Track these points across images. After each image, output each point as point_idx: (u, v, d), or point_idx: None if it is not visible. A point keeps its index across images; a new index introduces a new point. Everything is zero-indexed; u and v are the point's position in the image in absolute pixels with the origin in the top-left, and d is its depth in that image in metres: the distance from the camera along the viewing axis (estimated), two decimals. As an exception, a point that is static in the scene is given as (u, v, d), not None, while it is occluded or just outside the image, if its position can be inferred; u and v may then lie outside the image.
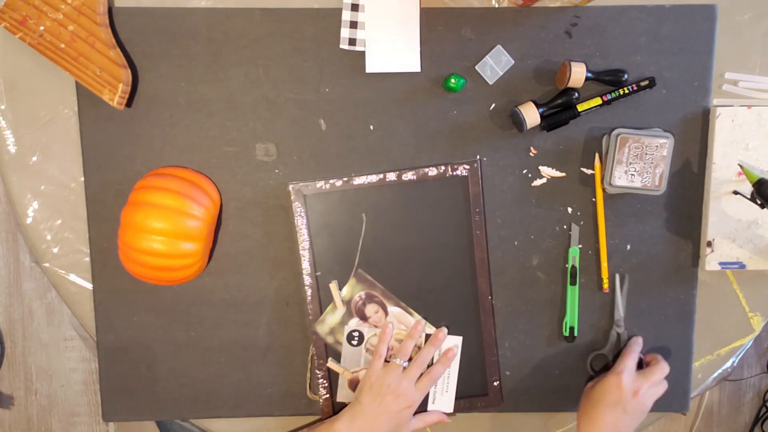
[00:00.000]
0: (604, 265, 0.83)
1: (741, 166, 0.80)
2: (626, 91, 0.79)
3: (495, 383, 0.84)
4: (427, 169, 0.81)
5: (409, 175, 0.80)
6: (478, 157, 0.82)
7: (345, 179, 0.81)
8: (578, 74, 0.77)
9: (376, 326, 0.83)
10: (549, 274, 0.84)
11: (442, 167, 0.81)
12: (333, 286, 0.82)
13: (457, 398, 0.84)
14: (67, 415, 1.67)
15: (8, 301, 1.64)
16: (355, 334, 0.83)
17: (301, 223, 0.80)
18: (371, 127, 0.82)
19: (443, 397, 0.83)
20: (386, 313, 0.83)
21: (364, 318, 0.82)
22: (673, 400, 0.85)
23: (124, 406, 0.85)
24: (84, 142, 0.81)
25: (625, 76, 0.79)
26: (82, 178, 0.82)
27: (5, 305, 1.64)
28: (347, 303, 0.82)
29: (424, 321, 0.82)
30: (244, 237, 0.83)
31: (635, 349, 0.80)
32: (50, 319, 1.65)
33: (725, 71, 0.82)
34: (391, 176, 0.81)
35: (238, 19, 0.80)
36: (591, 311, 0.84)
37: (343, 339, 0.83)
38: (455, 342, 0.83)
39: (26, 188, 0.83)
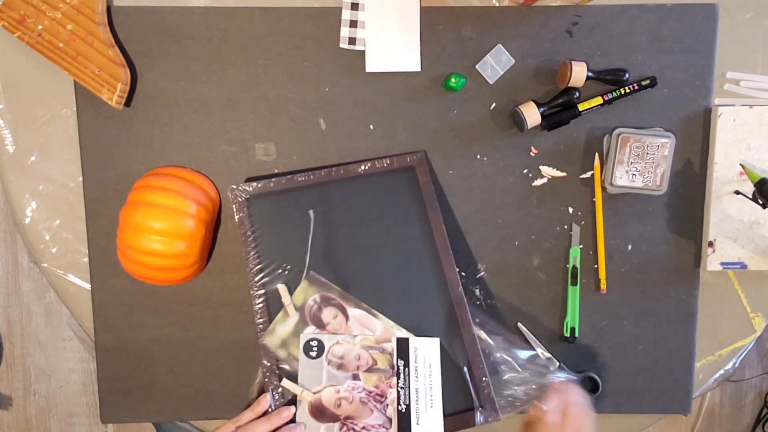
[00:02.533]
0: (602, 265, 0.82)
1: (743, 166, 0.80)
2: (627, 91, 0.79)
3: (486, 391, 0.72)
4: (373, 162, 0.75)
5: (356, 168, 0.74)
6: (424, 150, 0.80)
7: (288, 177, 0.76)
8: (579, 73, 0.77)
9: (336, 333, 0.71)
10: (550, 275, 0.83)
11: (387, 160, 0.76)
12: (282, 289, 0.72)
13: (445, 415, 0.71)
14: (65, 415, 1.67)
15: (7, 301, 1.64)
16: (314, 343, 0.71)
17: (245, 227, 0.72)
18: (371, 126, 0.81)
19: (428, 415, 0.70)
20: (347, 317, 0.72)
21: (321, 325, 0.71)
22: (675, 401, 0.85)
23: (123, 407, 0.85)
24: (82, 142, 0.81)
25: (626, 76, 0.79)
26: (81, 178, 0.82)
27: (4, 305, 1.64)
28: (300, 309, 0.72)
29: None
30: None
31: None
32: (49, 319, 1.64)
33: (727, 71, 0.82)
34: (338, 171, 0.75)
35: (237, 18, 0.79)
36: (592, 312, 0.84)
37: (299, 351, 0.70)
38: (432, 345, 0.71)
39: (25, 188, 0.83)
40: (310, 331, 0.71)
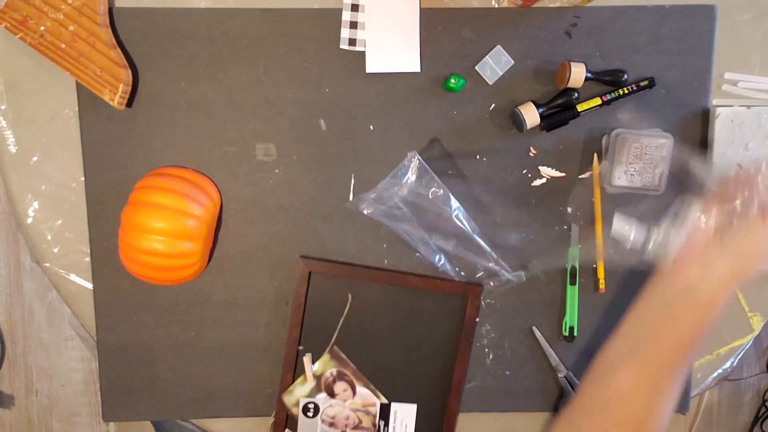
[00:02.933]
0: (601, 265, 0.83)
1: (740, 166, 0.80)
2: (626, 92, 0.79)
3: None
4: (432, 279, 0.82)
5: (411, 280, 0.82)
6: (483, 285, 0.82)
7: (348, 266, 0.82)
8: (578, 74, 0.77)
9: (343, 401, 0.83)
10: (549, 275, 0.84)
11: (445, 283, 0.82)
12: (306, 359, 0.83)
13: None
14: (67, 414, 1.68)
15: (9, 300, 1.64)
16: (311, 405, 0.83)
17: (300, 299, 0.81)
18: (371, 127, 0.82)
19: None
20: (354, 393, 0.83)
21: (332, 394, 0.83)
22: (673, 400, 0.85)
23: (125, 406, 0.85)
24: (84, 142, 0.81)
25: (625, 77, 0.79)
26: (83, 178, 0.82)
27: (6, 305, 1.65)
28: (318, 378, 0.83)
29: None
30: (244, 237, 0.83)
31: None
32: (51, 319, 1.65)
33: (725, 71, 0.82)
34: (394, 277, 0.82)
35: (238, 20, 0.80)
36: (591, 311, 0.84)
37: (298, 411, 0.83)
38: (410, 409, 0.83)
39: (27, 188, 0.83)
40: (320, 398, 0.84)
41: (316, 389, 0.83)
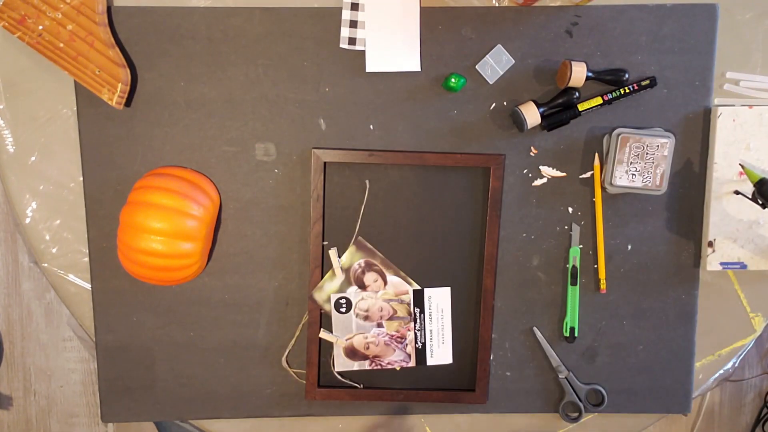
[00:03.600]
0: (602, 265, 0.82)
1: (742, 166, 0.80)
2: (627, 91, 0.79)
3: (483, 381, 0.83)
4: (452, 155, 0.80)
5: (432, 160, 0.80)
6: (505, 154, 0.81)
7: (369, 152, 0.80)
8: (579, 74, 0.77)
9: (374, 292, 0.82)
10: (549, 275, 0.83)
11: (467, 155, 0.80)
12: (332, 252, 0.81)
13: (444, 390, 0.83)
14: (66, 415, 1.67)
15: (7, 301, 1.64)
16: (342, 301, 0.82)
17: (318, 192, 0.79)
18: (371, 126, 0.81)
19: (440, 349, 0.83)
20: (385, 282, 0.82)
21: (362, 286, 0.82)
22: (675, 401, 0.85)
23: (123, 406, 0.85)
24: (83, 142, 0.81)
25: (626, 76, 0.79)
26: (81, 178, 0.82)
27: (4, 305, 1.64)
28: (346, 271, 0.82)
29: None
30: (243, 237, 0.82)
31: None
32: (49, 319, 1.64)
33: (726, 71, 0.82)
34: (414, 157, 0.80)
35: (237, 19, 0.80)
36: (591, 312, 0.84)
37: (331, 307, 0.82)
38: (444, 293, 0.82)
39: (25, 188, 0.83)
40: (351, 292, 0.82)
41: (346, 283, 0.81)
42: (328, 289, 0.82)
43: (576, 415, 0.84)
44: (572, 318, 0.83)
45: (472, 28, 0.80)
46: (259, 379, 0.84)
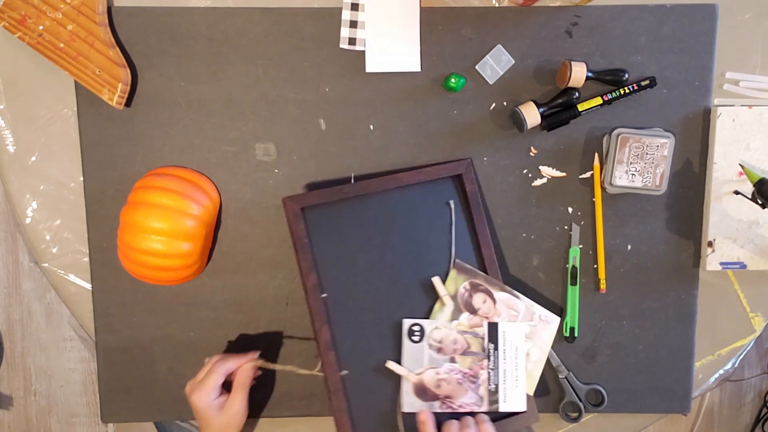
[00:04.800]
0: (602, 265, 0.82)
1: (742, 166, 0.80)
2: (627, 91, 0.79)
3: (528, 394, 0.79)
4: (416, 171, 0.77)
5: (399, 179, 0.77)
6: (470, 157, 0.81)
7: (334, 188, 0.76)
8: (579, 74, 0.77)
9: (486, 317, 0.77)
10: (549, 275, 0.83)
11: (430, 169, 0.78)
12: (436, 281, 0.76)
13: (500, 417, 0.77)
14: (66, 415, 1.67)
15: (7, 301, 1.64)
16: (416, 328, 0.75)
17: (302, 240, 0.74)
18: (371, 126, 0.81)
19: (514, 394, 0.77)
20: (494, 301, 0.77)
21: (473, 311, 0.76)
22: (674, 401, 0.85)
23: (124, 406, 0.85)
24: (83, 142, 0.81)
25: (626, 76, 0.79)
26: (82, 178, 0.82)
27: (4, 305, 1.64)
28: (454, 298, 0.76)
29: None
30: (243, 237, 0.82)
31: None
32: (49, 319, 1.65)
33: (726, 71, 0.82)
34: (388, 180, 0.77)
35: (237, 19, 0.80)
36: (592, 312, 0.84)
37: (403, 335, 0.75)
38: (519, 329, 0.77)
39: (25, 188, 0.83)
40: (464, 318, 0.76)
41: (457, 311, 0.76)
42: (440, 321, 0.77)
43: (576, 415, 0.84)
44: (572, 318, 0.83)
45: (472, 28, 0.80)
46: (259, 379, 0.84)
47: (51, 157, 0.82)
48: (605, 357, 0.84)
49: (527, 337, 0.79)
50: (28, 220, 0.83)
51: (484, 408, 0.77)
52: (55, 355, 1.65)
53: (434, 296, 0.78)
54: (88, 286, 0.84)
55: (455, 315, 0.76)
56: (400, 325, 0.77)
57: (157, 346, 0.84)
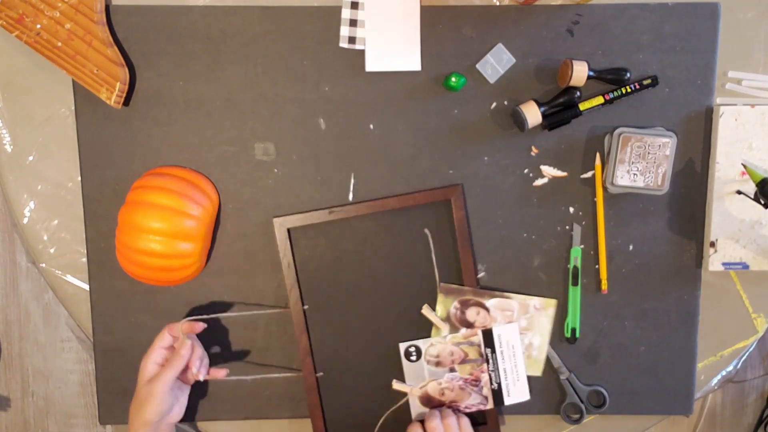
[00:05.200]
0: (603, 265, 0.82)
1: (744, 166, 0.79)
2: (628, 90, 0.79)
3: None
4: (407, 196, 0.80)
5: (392, 204, 0.80)
6: (461, 184, 0.81)
7: (329, 210, 0.80)
8: (580, 73, 0.76)
9: (483, 327, 0.81)
10: (550, 275, 0.83)
11: (421, 195, 0.80)
12: (426, 310, 0.81)
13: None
14: (64, 416, 1.67)
15: (5, 302, 1.63)
16: (412, 350, 0.81)
17: (287, 259, 0.80)
18: (371, 126, 0.81)
19: (516, 387, 0.81)
20: (487, 309, 0.81)
21: (469, 325, 0.80)
22: (677, 402, 0.84)
23: (121, 408, 0.84)
24: (81, 142, 0.81)
25: (628, 75, 0.79)
26: (79, 178, 0.82)
27: (2, 306, 1.64)
28: (447, 320, 0.81)
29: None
30: (242, 237, 0.82)
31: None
32: (47, 320, 1.64)
33: (728, 70, 0.82)
34: (374, 205, 0.79)
35: (236, 17, 0.79)
36: (593, 312, 0.83)
37: (401, 357, 0.81)
38: (512, 329, 0.80)
39: (23, 188, 0.82)
40: (460, 334, 0.81)
41: (454, 329, 0.80)
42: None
43: (577, 416, 0.84)
44: (573, 319, 0.82)
45: (472, 27, 0.80)
46: (258, 380, 0.84)
47: (48, 157, 0.82)
48: (607, 358, 0.84)
49: (526, 329, 0.82)
50: (25, 220, 0.83)
51: (490, 405, 0.81)
52: (53, 356, 1.65)
53: (422, 318, 0.81)
54: (86, 286, 0.83)
55: (453, 332, 0.81)
56: (384, 337, 0.83)
57: (155, 347, 0.83)
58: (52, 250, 0.83)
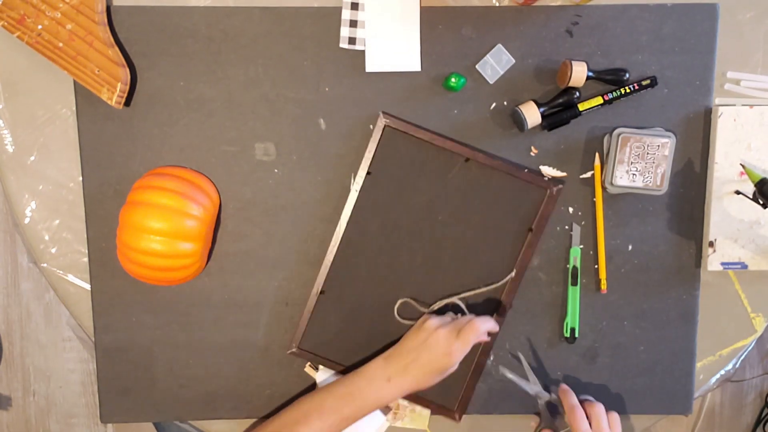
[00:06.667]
0: (603, 265, 0.82)
1: (743, 166, 0.79)
2: (628, 91, 0.79)
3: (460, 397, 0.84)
4: (512, 167, 0.80)
5: (492, 162, 0.79)
6: (560, 186, 0.81)
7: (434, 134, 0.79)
8: (579, 73, 0.76)
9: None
10: (550, 275, 0.83)
11: (530, 174, 0.80)
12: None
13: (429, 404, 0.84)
14: (65, 416, 1.67)
15: (6, 301, 1.64)
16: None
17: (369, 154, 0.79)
18: (371, 126, 0.81)
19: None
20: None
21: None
22: (676, 402, 0.85)
23: (123, 407, 0.84)
24: (82, 142, 0.81)
25: (627, 76, 0.79)
26: (81, 178, 0.82)
27: (3, 306, 1.64)
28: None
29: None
30: (243, 237, 0.82)
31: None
32: (48, 319, 1.64)
33: (727, 70, 0.82)
34: (478, 155, 0.79)
35: (237, 18, 0.79)
36: (592, 312, 0.84)
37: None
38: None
39: (24, 188, 0.83)
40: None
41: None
42: None
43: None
44: (573, 318, 0.83)
45: (472, 28, 0.80)
46: (259, 379, 0.84)
47: (50, 157, 0.82)
48: (606, 358, 0.84)
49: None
50: (26, 220, 0.83)
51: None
52: (54, 355, 1.65)
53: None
54: (87, 286, 0.84)
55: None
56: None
57: (156, 346, 0.84)
58: (53, 250, 0.84)
